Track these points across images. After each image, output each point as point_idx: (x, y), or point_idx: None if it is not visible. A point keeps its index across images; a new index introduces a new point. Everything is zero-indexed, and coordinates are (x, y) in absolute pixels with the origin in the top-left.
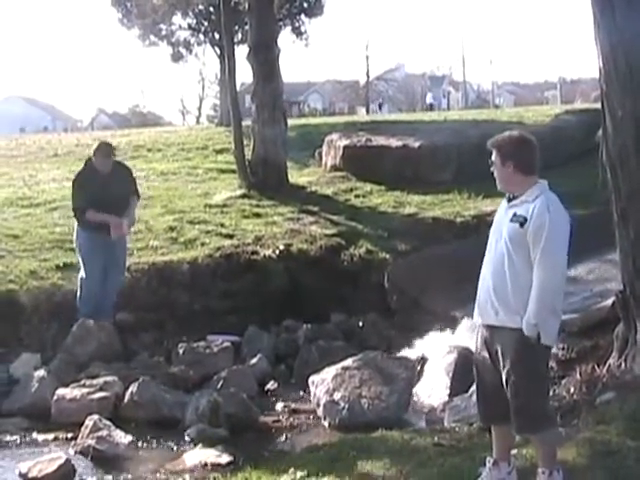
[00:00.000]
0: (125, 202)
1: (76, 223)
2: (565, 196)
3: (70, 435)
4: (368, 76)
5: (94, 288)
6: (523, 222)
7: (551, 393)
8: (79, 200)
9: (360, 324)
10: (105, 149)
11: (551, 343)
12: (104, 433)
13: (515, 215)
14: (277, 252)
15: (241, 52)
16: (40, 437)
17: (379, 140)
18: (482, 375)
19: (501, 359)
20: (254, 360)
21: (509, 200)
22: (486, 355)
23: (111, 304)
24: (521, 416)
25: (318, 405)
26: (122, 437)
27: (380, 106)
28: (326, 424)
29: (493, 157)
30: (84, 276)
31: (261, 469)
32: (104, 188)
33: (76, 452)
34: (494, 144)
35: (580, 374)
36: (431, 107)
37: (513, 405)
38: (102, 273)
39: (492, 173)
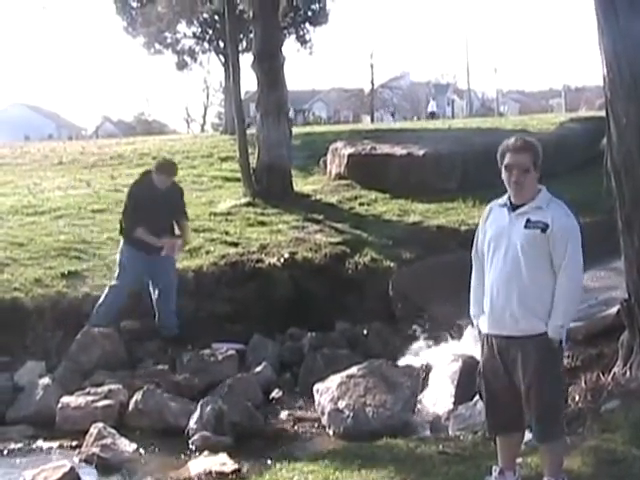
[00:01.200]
0: (171, 221)
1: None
2: (570, 204)
3: (75, 443)
4: (373, 84)
5: (120, 299)
6: (544, 228)
7: None
8: (131, 217)
9: (365, 332)
10: (170, 168)
11: (565, 344)
12: (109, 441)
13: (530, 221)
14: (282, 260)
15: (246, 60)
16: (45, 445)
17: (384, 148)
18: (492, 386)
19: (520, 368)
20: (259, 368)
21: (513, 208)
22: (497, 365)
23: (170, 319)
24: (545, 425)
25: (323, 413)
26: (127, 445)
27: (393, 114)
28: (331, 432)
29: (517, 160)
30: (115, 284)
31: (265, 477)
32: (158, 206)
33: (81, 460)
34: (526, 147)
35: (585, 382)
36: (433, 116)
37: (537, 414)
38: (134, 286)
39: (505, 177)
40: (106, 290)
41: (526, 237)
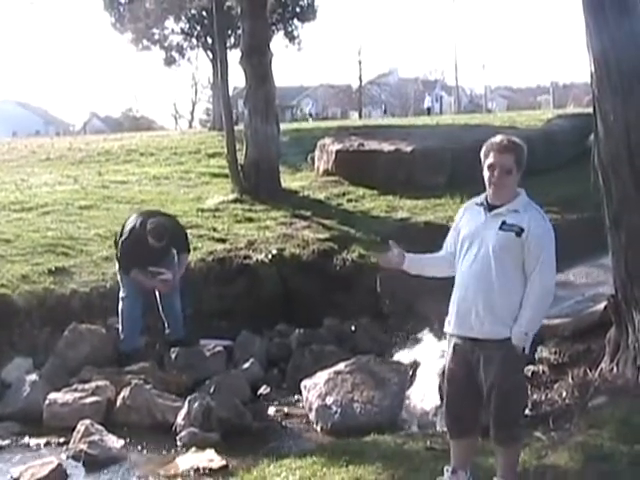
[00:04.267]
0: (171, 258)
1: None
2: (557, 200)
3: (62, 439)
4: (361, 80)
5: (136, 307)
6: (520, 232)
7: (543, 397)
8: (125, 263)
9: (352, 328)
10: (158, 234)
11: (528, 351)
12: (96, 438)
13: (505, 224)
14: (270, 256)
15: (234, 56)
16: (32, 441)
17: (371, 144)
18: (455, 389)
19: (483, 372)
20: (246, 364)
21: (490, 208)
22: (460, 367)
23: (176, 323)
24: (504, 427)
25: (310, 409)
26: (114, 441)
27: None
28: (318, 428)
29: (501, 160)
30: (124, 295)
31: (253, 473)
32: (153, 256)
33: (68, 457)
34: (510, 148)
35: (572, 378)
36: (429, 111)
37: (496, 416)
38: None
39: (487, 176)
40: (120, 304)
41: (500, 239)
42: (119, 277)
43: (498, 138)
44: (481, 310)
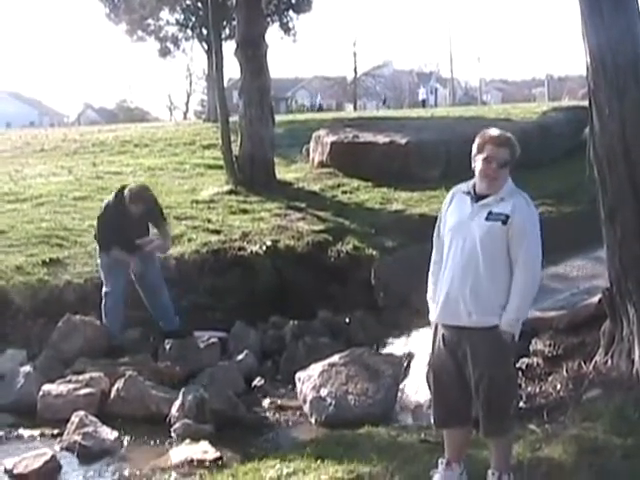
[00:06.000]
0: (147, 233)
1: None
2: (553, 193)
3: (56, 431)
4: (356, 72)
5: (119, 302)
6: (505, 220)
7: (538, 390)
8: (105, 239)
9: (347, 321)
10: (144, 196)
11: (517, 339)
12: (90, 429)
13: (492, 213)
14: (264, 248)
15: (229, 48)
16: (26, 433)
17: (366, 136)
18: (441, 379)
19: (470, 361)
20: (241, 356)
21: (477, 199)
22: (447, 358)
23: (166, 313)
24: (493, 419)
25: (304, 401)
26: (108, 433)
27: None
28: (312, 420)
29: (497, 153)
30: (107, 290)
31: (247, 465)
32: (133, 228)
33: (62, 448)
34: (507, 142)
35: (567, 371)
36: (424, 103)
37: (485, 408)
38: (125, 288)
39: (479, 168)
40: (103, 300)
41: (486, 229)
42: (102, 274)
43: (495, 132)
44: (468, 300)
